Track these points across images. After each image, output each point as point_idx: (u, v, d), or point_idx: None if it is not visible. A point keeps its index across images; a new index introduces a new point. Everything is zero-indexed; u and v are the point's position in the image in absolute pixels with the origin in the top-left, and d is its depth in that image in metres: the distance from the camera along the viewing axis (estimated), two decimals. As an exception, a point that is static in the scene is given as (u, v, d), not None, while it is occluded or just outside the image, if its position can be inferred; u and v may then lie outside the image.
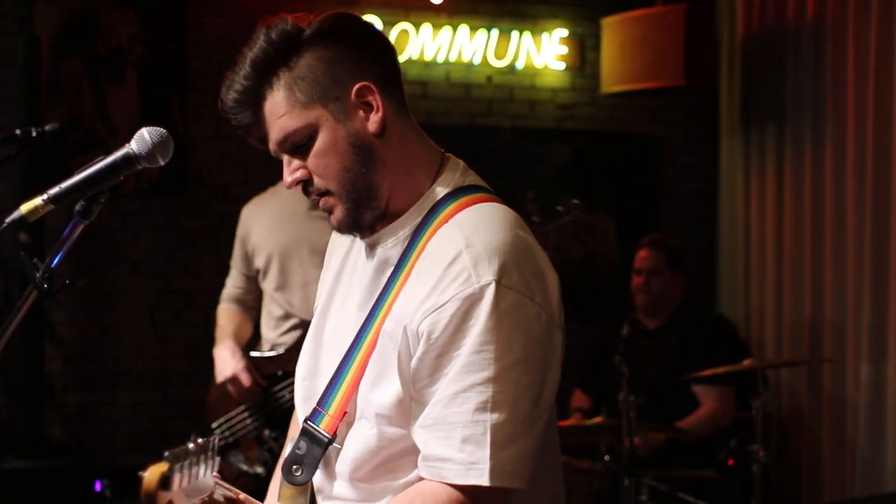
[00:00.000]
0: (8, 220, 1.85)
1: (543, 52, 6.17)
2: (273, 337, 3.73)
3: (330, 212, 1.79)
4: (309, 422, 1.80)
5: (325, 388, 1.81)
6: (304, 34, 1.75)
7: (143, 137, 1.85)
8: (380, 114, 1.75)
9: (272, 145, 1.78)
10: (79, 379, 5.64)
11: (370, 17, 5.82)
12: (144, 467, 1.46)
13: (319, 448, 1.78)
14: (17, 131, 2.94)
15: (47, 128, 3.64)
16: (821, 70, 5.48)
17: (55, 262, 1.91)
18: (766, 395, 4.20)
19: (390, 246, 1.79)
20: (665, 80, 5.73)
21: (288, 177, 1.78)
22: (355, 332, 1.79)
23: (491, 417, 1.64)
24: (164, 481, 1.45)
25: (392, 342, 1.71)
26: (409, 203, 1.79)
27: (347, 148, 1.74)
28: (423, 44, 5.97)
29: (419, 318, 1.68)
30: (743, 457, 4.21)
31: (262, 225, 3.78)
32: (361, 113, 1.75)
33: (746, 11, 6.03)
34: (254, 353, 3.73)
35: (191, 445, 1.52)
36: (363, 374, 1.76)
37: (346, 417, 1.79)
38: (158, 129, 1.87)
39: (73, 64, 5.63)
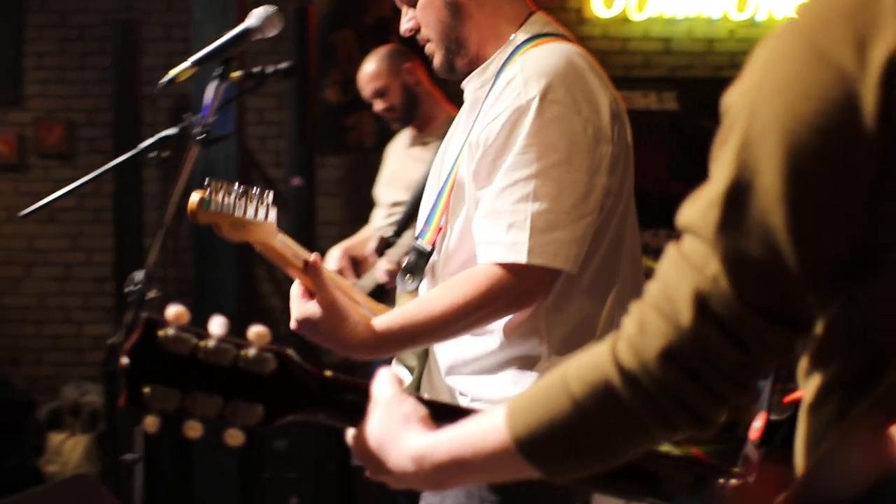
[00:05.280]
0: (162, 81, 2.43)
1: (785, 4, 6.27)
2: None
3: (432, 56, 2.16)
4: (417, 239, 2.15)
5: (429, 209, 2.15)
6: None
7: (258, 13, 2.39)
8: None
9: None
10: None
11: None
12: None
13: (423, 259, 2.11)
14: (255, 69, 3.53)
15: (280, 66, 4.31)
16: None
17: (206, 115, 2.48)
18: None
19: (478, 87, 2.11)
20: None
21: (403, 25, 2.14)
22: (453, 161, 2.13)
23: (532, 206, 1.93)
24: (204, 203, 1.70)
25: (469, 156, 2.04)
26: (495, 51, 2.10)
27: (441, 4, 2.09)
28: (665, 1, 6.26)
29: (479, 129, 2.01)
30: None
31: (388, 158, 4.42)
32: None
33: None
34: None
35: (238, 186, 1.77)
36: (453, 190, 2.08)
37: (443, 231, 2.09)
38: (269, 6, 2.40)
39: (346, 34, 6.38)
